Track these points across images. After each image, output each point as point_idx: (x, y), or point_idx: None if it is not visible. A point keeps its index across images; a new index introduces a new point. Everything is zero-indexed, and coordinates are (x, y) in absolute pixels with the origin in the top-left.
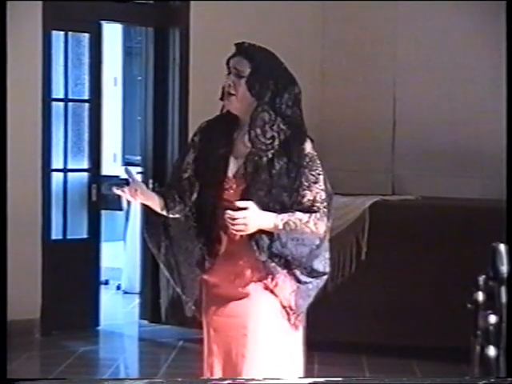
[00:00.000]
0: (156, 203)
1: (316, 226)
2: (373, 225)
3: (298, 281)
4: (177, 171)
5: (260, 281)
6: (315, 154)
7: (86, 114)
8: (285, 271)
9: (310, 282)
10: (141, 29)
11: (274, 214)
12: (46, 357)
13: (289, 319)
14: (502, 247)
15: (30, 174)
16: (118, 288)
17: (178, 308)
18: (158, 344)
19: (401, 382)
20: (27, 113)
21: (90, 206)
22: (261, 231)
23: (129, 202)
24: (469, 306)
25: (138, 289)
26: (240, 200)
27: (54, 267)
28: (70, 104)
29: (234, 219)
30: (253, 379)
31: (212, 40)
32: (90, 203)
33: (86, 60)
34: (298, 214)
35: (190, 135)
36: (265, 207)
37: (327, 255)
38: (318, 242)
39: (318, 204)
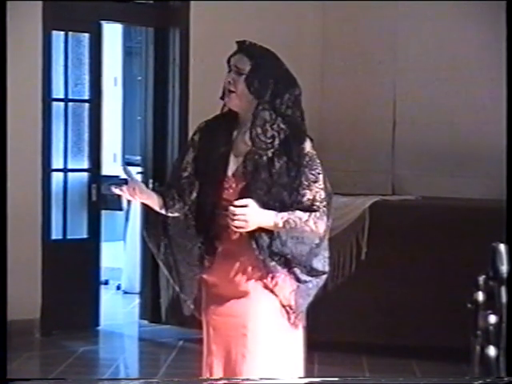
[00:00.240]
0: (155, 202)
1: (316, 224)
2: (373, 225)
3: (298, 280)
4: (176, 170)
5: (260, 280)
6: (315, 153)
7: (86, 114)
8: (285, 270)
9: (310, 281)
10: (141, 29)
11: (274, 213)
12: (46, 357)
13: (289, 318)
14: (502, 247)
15: (29, 173)
16: (118, 288)
17: (178, 308)
18: (158, 344)
19: (397, 381)
20: (27, 113)
21: (90, 205)
22: (260, 230)
23: (129, 202)
24: (469, 305)
25: (137, 289)
26: (239, 199)
27: (53, 267)
28: (70, 104)
29: (234, 215)
30: (248, 379)
31: (212, 40)
32: (89, 203)
33: (86, 60)
34: (298, 213)
35: (190, 134)
36: (264, 206)
37: (327, 254)
38: (317, 241)
39: (317, 203)
